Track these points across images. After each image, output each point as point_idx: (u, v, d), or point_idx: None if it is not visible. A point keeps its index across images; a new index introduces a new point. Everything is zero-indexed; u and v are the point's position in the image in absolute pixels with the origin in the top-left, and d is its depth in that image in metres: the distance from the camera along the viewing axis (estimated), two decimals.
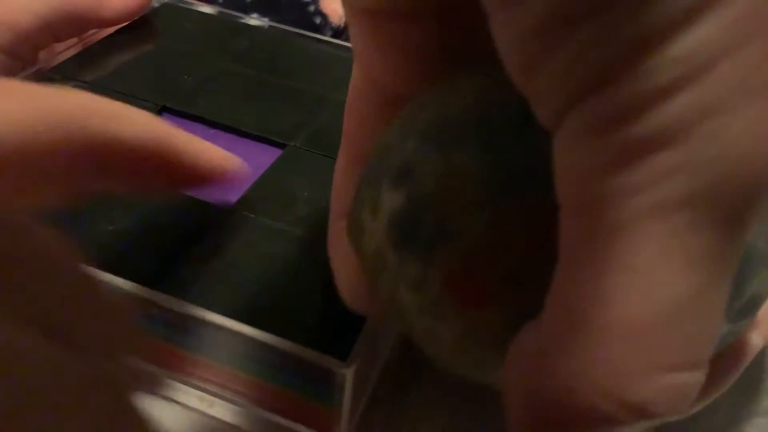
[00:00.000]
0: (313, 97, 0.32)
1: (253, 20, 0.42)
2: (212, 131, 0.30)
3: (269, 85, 0.32)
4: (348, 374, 0.20)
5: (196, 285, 0.22)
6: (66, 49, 0.32)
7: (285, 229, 0.25)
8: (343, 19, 0.44)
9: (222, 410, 0.22)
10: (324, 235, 0.24)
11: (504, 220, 0.13)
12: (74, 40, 0.34)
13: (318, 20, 0.44)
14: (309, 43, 0.36)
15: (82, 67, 0.31)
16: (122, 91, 0.30)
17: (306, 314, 0.21)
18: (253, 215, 0.25)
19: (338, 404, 0.20)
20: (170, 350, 0.22)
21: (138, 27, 0.35)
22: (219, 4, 0.44)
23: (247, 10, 0.44)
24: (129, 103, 0.29)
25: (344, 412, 0.21)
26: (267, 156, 0.28)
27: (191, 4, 0.38)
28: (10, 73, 0.30)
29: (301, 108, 0.31)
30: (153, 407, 0.22)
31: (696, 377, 0.11)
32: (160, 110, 0.30)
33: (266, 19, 0.43)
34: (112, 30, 0.34)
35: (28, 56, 0.31)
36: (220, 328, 0.20)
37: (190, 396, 0.22)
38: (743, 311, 0.15)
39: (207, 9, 0.38)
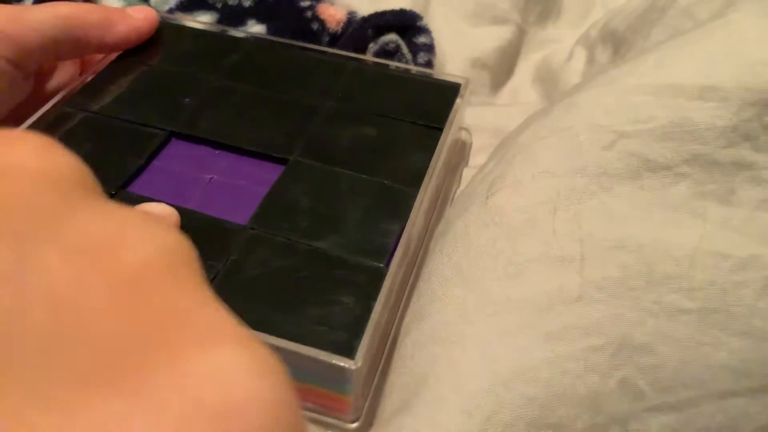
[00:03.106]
0: (303, 107, 0.34)
1: (251, 27, 0.43)
2: (217, 152, 0.32)
3: (263, 99, 0.35)
4: (355, 368, 0.23)
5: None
6: (76, 80, 0.35)
7: (293, 242, 0.27)
8: (341, 25, 0.45)
9: None
10: (326, 240, 0.27)
11: None
12: (77, 61, 0.37)
13: (315, 26, 0.45)
14: (297, 53, 0.38)
15: (92, 98, 0.34)
16: (132, 120, 0.33)
17: (316, 318, 0.25)
18: (263, 231, 0.28)
19: (349, 392, 0.24)
20: None
21: (137, 49, 0.37)
22: (217, 10, 0.45)
23: (245, 17, 0.45)
24: (141, 132, 0.32)
25: (355, 397, 0.24)
26: (270, 172, 0.31)
27: (183, 21, 0.40)
28: (12, 80, 0.33)
29: (293, 118, 0.33)
30: None
31: None
32: (169, 136, 0.33)
33: (264, 26, 0.45)
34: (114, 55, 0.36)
35: (30, 69, 0.34)
36: None
37: None
38: None
39: (198, 25, 0.40)
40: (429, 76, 0.37)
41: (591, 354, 0.24)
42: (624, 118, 0.26)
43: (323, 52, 0.38)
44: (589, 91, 0.28)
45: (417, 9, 0.48)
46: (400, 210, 0.29)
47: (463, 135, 0.38)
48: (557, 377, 0.24)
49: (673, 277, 0.24)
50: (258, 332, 0.23)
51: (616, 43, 0.44)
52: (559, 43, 0.51)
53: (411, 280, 0.30)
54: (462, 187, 0.35)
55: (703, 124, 0.24)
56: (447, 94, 0.35)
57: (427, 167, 0.30)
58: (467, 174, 0.36)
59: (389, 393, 0.26)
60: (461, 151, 0.38)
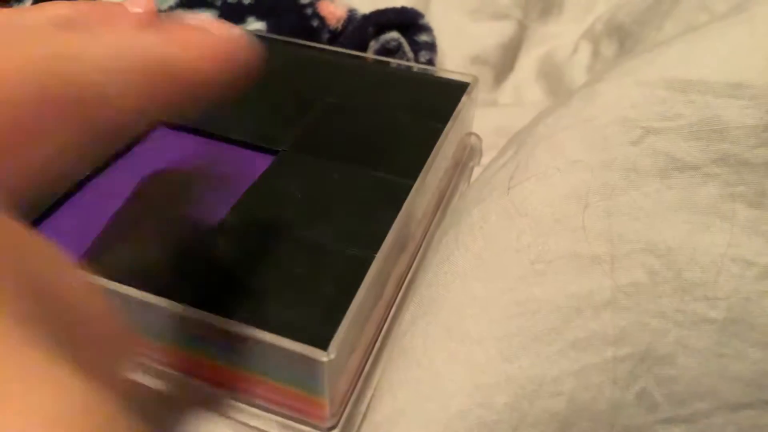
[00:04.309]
0: (300, 101, 0.33)
1: (251, 24, 0.43)
2: (204, 141, 0.31)
3: (256, 92, 0.33)
4: (327, 360, 0.21)
5: (192, 288, 0.23)
6: None
7: (272, 231, 0.26)
8: (341, 22, 0.45)
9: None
10: (310, 230, 0.25)
11: None
12: None
13: (315, 23, 0.44)
14: (296, 50, 0.37)
15: None
16: None
17: (288, 306, 0.22)
18: (241, 221, 0.26)
19: (323, 392, 0.21)
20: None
21: None
22: (217, 8, 0.45)
23: (244, 15, 0.44)
24: None
25: (331, 400, 0.22)
26: (259, 162, 0.29)
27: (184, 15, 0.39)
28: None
29: (288, 112, 0.32)
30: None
31: None
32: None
33: (263, 23, 0.44)
34: None
35: None
36: (212, 327, 0.22)
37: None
38: None
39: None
40: (434, 75, 0.36)
41: (615, 366, 0.22)
42: (651, 113, 0.25)
43: (323, 50, 0.37)
44: (610, 81, 0.27)
45: (417, 5, 0.47)
46: (394, 200, 0.27)
47: (473, 140, 0.37)
48: (581, 390, 0.22)
49: (699, 284, 0.23)
50: (222, 318, 0.21)
51: (622, 36, 0.43)
52: (561, 38, 0.50)
53: (410, 275, 0.28)
54: None
55: (733, 123, 0.23)
56: (453, 92, 0.33)
57: (426, 161, 0.29)
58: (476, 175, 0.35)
59: (383, 390, 0.24)
60: (470, 155, 0.37)
